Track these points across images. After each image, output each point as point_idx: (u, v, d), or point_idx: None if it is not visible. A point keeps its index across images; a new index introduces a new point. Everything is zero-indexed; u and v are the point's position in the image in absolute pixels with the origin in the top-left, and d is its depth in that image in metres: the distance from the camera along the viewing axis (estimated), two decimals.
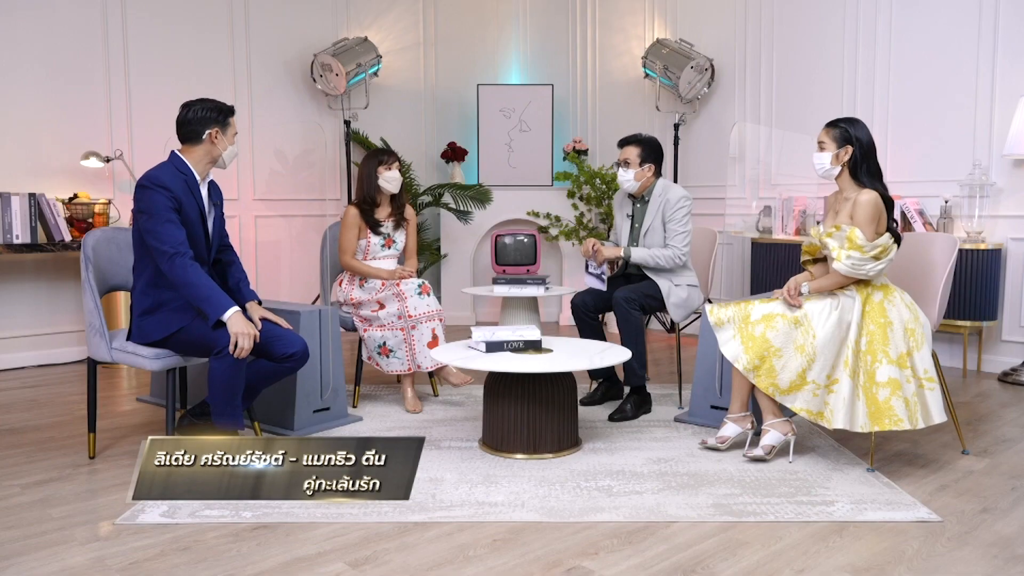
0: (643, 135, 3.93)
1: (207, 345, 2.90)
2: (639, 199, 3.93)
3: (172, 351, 3.01)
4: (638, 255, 3.80)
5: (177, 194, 2.94)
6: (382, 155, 4.03)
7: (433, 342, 3.82)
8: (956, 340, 4.84)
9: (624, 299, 3.68)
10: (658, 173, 3.91)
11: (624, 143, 3.91)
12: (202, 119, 3.01)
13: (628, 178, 3.87)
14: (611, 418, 3.69)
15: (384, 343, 3.85)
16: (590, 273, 3.94)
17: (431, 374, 4.01)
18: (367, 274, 3.95)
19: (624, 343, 3.65)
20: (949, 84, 4.83)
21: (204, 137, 3.02)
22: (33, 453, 3.22)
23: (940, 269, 3.20)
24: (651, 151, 3.87)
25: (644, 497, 2.74)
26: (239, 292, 3.24)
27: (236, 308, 2.89)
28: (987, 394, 4.22)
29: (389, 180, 4.00)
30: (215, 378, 2.88)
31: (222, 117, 3.05)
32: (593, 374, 4.04)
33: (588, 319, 3.89)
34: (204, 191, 3.08)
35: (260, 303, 3.22)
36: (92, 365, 3.14)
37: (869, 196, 2.96)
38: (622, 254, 3.83)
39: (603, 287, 3.91)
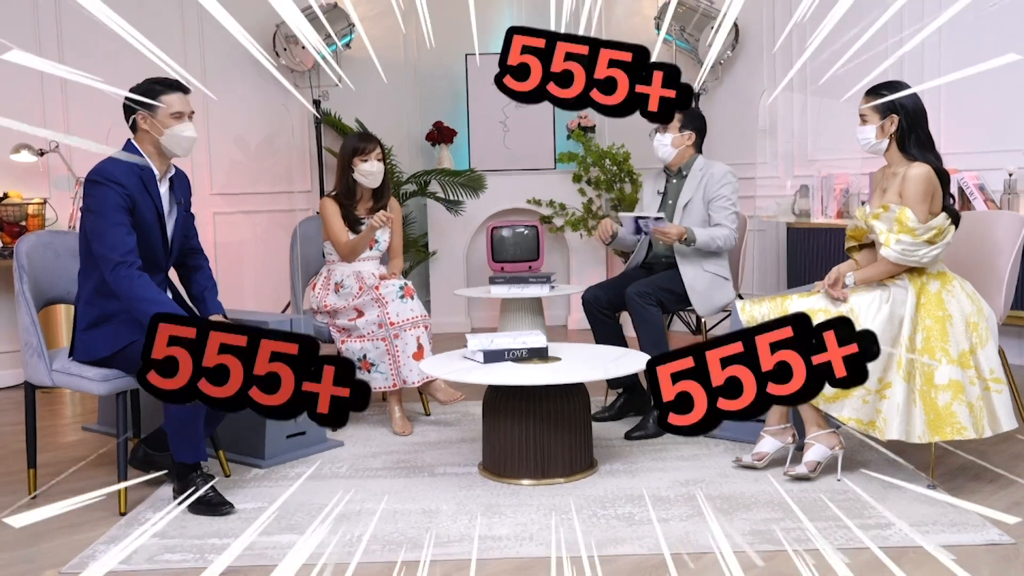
0: None
1: None
2: (675, 174, 3.95)
3: (121, 371, 3.00)
4: (700, 235, 3.75)
5: (131, 191, 2.93)
6: (359, 142, 3.99)
7: (418, 353, 3.81)
8: None
9: (637, 294, 3.66)
10: (698, 148, 3.97)
11: None
12: (129, 103, 2.97)
13: (665, 143, 3.89)
14: (628, 436, 3.68)
15: (364, 356, 3.84)
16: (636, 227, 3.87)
17: (420, 390, 4.00)
18: (361, 243, 3.96)
19: (643, 347, 3.64)
20: (1011, 38, 4.81)
21: (136, 125, 3.01)
22: None
23: (1006, 253, 3.20)
24: (693, 118, 3.94)
25: (671, 525, 2.74)
26: (203, 302, 3.23)
27: None
28: None
29: (366, 173, 3.97)
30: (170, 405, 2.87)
31: (148, 96, 2.96)
32: (612, 383, 4.01)
33: (603, 316, 3.87)
34: (164, 188, 3.07)
35: (226, 317, 3.21)
36: (30, 390, 3.14)
37: (920, 170, 2.96)
38: (686, 234, 3.76)
39: (639, 239, 3.93)
